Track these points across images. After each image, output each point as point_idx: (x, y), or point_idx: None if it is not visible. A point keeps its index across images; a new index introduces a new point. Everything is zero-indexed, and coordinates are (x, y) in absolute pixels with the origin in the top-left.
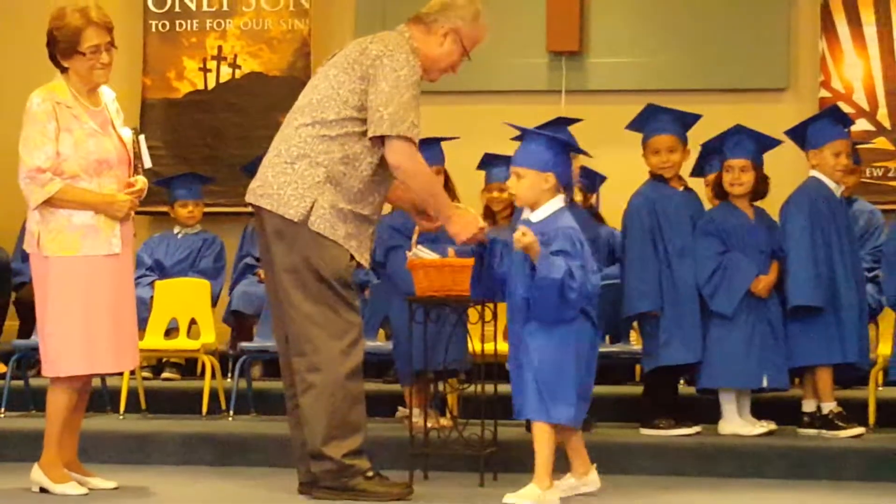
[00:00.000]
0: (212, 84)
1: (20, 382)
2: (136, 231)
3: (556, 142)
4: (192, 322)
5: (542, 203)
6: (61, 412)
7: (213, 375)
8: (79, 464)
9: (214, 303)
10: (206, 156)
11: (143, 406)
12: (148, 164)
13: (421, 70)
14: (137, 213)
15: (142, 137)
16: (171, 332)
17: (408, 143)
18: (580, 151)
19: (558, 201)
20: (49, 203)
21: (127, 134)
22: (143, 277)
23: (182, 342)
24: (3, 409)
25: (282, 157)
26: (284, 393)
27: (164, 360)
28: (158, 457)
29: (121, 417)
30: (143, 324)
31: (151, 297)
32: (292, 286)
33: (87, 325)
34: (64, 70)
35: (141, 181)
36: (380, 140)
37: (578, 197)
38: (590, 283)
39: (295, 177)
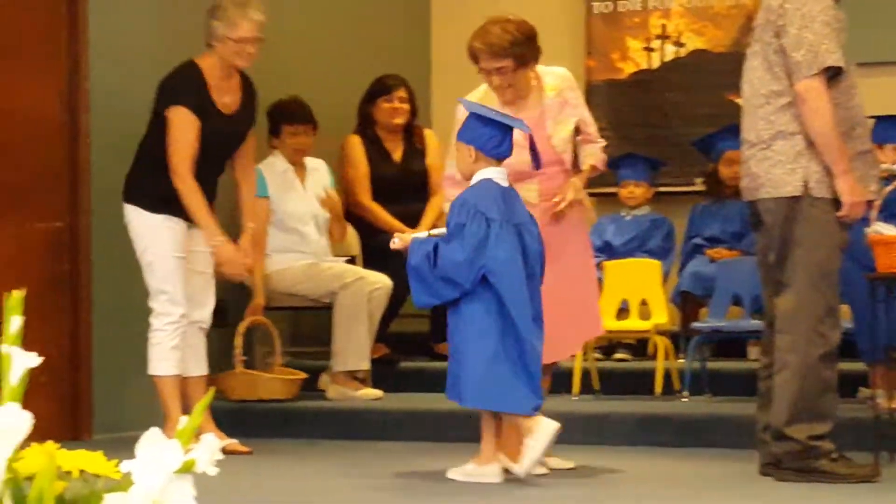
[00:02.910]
0: (656, 63)
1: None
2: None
3: (475, 115)
4: (643, 303)
5: (474, 175)
6: None
7: (666, 356)
8: None
9: (665, 282)
10: (650, 136)
11: (597, 387)
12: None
13: None
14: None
15: (580, 138)
16: (622, 312)
17: (817, 80)
18: (506, 122)
19: (485, 172)
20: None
21: (564, 134)
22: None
23: (633, 323)
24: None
25: (757, 146)
26: (758, 373)
27: (616, 340)
28: (613, 437)
29: (575, 398)
30: None
31: (600, 278)
32: (785, 266)
33: None
34: None
35: (569, 191)
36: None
37: None
38: (452, 258)
39: (778, 156)
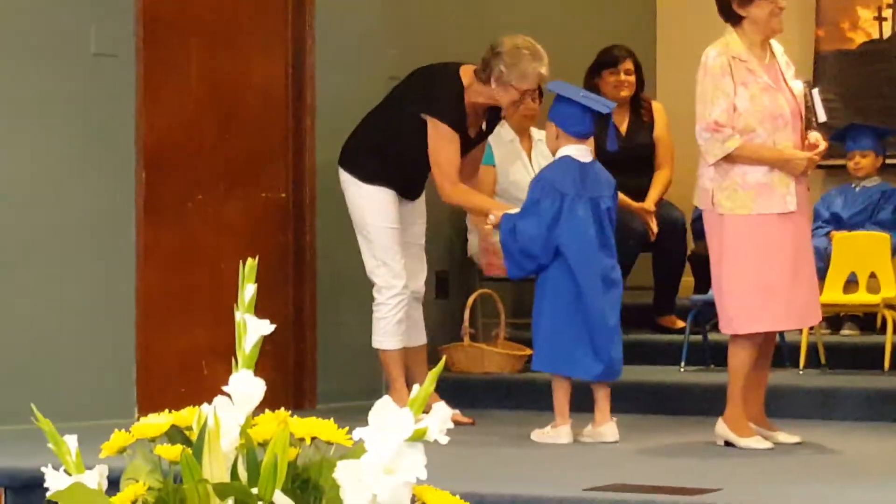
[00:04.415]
0: (887, 33)
1: (698, 337)
2: (810, 185)
3: (558, 95)
4: (872, 275)
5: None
6: (742, 367)
7: (895, 330)
8: (764, 418)
9: (894, 255)
10: (881, 107)
11: (823, 361)
12: (822, 117)
13: None
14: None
15: (815, 91)
16: (849, 285)
17: None
18: (586, 104)
19: (566, 149)
20: (727, 159)
21: (798, 87)
22: (818, 229)
23: (861, 296)
24: (682, 364)
25: None
26: None
27: (843, 314)
28: (840, 413)
29: (800, 373)
30: (819, 273)
31: (826, 248)
32: None
33: (761, 284)
34: (736, 23)
35: (821, 140)
36: None
37: None
38: (526, 232)
39: None
